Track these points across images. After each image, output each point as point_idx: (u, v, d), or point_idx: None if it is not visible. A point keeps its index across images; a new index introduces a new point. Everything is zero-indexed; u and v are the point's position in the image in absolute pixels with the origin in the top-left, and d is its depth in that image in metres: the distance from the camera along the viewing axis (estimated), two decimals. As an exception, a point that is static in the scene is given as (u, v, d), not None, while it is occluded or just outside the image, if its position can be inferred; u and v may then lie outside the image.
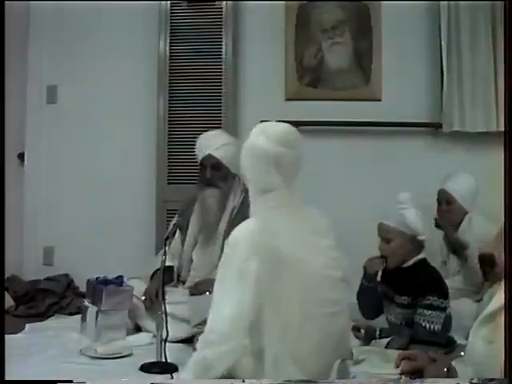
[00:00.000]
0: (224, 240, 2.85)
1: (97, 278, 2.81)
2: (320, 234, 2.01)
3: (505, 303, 1.17)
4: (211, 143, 2.94)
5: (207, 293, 2.74)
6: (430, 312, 2.32)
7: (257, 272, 1.86)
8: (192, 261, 2.98)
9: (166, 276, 2.80)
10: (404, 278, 2.46)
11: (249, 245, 1.90)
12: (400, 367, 1.39)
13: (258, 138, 1.98)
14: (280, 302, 1.87)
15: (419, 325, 2.33)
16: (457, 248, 2.96)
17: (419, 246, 2.46)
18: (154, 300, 2.69)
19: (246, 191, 2.92)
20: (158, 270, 2.59)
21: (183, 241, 3.01)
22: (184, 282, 2.96)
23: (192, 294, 2.80)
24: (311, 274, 1.91)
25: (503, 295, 1.21)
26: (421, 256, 2.48)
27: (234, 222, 2.79)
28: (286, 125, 2.04)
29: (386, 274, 2.57)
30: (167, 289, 2.70)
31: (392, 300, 2.50)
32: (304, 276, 1.90)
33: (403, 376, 1.31)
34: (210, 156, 2.92)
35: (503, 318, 1.19)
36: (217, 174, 2.91)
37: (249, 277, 1.86)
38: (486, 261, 2.57)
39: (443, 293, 2.38)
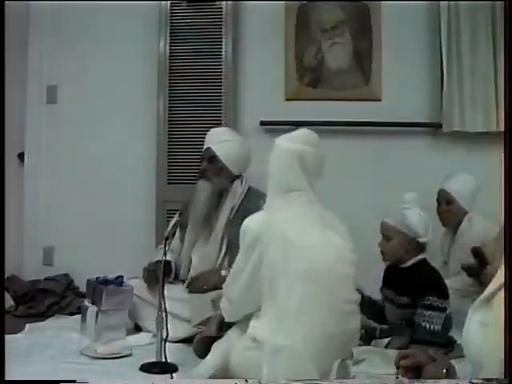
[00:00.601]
0: (223, 239, 2.89)
1: (97, 278, 2.81)
2: (338, 234, 2.08)
3: (505, 304, 1.18)
4: (214, 138, 2.99)
5: (204, 287, 2.76)
6: (429, 312, 2.32)
7: (260, 257, 1.96)
8: (191, 260, 2.98)
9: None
10: (404, 278, 2.45)
11: (256, 229, 2.01)
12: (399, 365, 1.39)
13: (282, 142, 2.13)
14: (280, 290, 1.92)
15: (419, 325, 2.33)
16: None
17: (419, 247, 2.46)
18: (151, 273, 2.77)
19: (247, 192, 2.93)
20: (158, 261, 2.61)
21: (182, 239, 3.02)
22: (184, 281, 2.96)
23: (190, 292, 2.81)
24: (320, 269, 1.96)
25: (498, 279, 1.22)
26: (421, 256, 2.48)
27: (233, 221, 2.79)
28: (306, 129, 2.21)
29: (387, 274, 2.57)
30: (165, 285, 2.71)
31: (392, 300, 2.50)
32: (310, 269, 1.94)
33: (401, 375, 1.31)
34: (208, 149, 2.97)
35: (498, 299, 1.19)
36: (211, 167, 2.93)
37: (253, 261, 1.99)
38: (479, 254, 2.57)
39: (443, 293, 2.37)
